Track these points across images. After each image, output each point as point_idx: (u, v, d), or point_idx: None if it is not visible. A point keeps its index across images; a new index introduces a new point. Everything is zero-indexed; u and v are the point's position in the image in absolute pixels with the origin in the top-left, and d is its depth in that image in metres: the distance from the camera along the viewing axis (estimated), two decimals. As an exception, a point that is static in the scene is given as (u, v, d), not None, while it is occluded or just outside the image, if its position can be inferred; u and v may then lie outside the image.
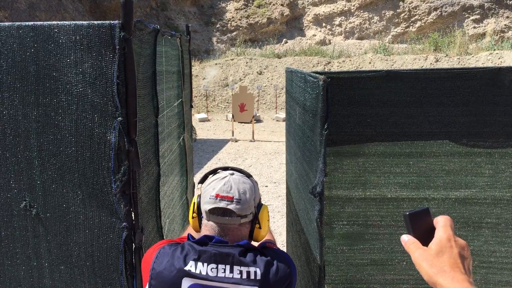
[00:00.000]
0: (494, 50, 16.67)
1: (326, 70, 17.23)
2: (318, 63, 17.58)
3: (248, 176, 1.55)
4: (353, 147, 2.03)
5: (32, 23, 1.53)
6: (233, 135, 11.67)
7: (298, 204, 2.22)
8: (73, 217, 1.63)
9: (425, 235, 0.97)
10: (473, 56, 16.63)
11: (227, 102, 16.43)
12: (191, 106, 3.19)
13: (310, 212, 1.86)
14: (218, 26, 21.58)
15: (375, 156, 2.06)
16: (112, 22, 1.47)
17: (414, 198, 2.08)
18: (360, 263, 2.09)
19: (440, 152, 2.04)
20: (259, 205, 1.53)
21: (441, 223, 0.97)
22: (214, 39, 21.41)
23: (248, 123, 12.04)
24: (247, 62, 17.86)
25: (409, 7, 20.10)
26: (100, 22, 1.48)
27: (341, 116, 1.94)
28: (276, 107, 15.87)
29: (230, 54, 19.52)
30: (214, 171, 1.56)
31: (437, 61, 16.79)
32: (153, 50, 1.89)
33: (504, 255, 2.11)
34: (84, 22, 1.49)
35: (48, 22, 1.52)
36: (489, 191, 2.04)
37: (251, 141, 11.37)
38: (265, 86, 16.94)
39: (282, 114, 14.99)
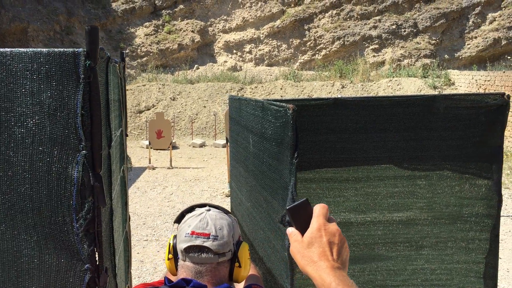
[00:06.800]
0: (393, 77, 18.02)
1: (239, 95, 17.46)
2: (232, 89, 17.80)
3: (226, 212, 1.50)
4: (304, 173, 2.06)
5: (-20, 49, 1.39)
6: (150, 163, 11.37)
7: (255, 234, 2.19)
8: (26, 261, 1.48)
9: (306, 226, 1.01)
10: (375, 83, 17.82)
11: (141, 129, 16.03)
12: (126, 135, 3.07)
13: (273, 242, 1.84)
14: (127, 51, 21.12)
15: (324, 182, 2.10)
16: (76, 50, 1.38)
17: (361, 222, 2.13)
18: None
19: (385, 176, 2.12)
20: (239, 242, 1.47)
21: (315, 213, 1.01)
22: (124, 65, 20.88)
23: (165, 150, 11.83)
24: (159, 88, 17.62)
25: (314, 36, 21.16)
26: (62, 49, 1.38)
27: None
28: (192, 133, 15.75)
29: (142, 79, 19.15)
30: (190, 209, 1.49)
31: (343, 87, 17.76)
32: (106, 79, 1.81)
33: (444, 272, 2.22)
34: (43, 50, 1.38)
35: (0, 49, 1.40)
36: (428, 212, 2.14)
37: (169, 168, 11.15)
38: (179, 112, 16.79)
39: (199, 140, 14.91)
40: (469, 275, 2.22)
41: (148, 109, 16.84)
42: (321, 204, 1.02)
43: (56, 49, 1.39)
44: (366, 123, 2.07)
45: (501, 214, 2.19)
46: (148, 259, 5.75)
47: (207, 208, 1.47)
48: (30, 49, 1.39)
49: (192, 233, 1.37)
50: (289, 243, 1.60)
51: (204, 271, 1.36)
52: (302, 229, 1.00)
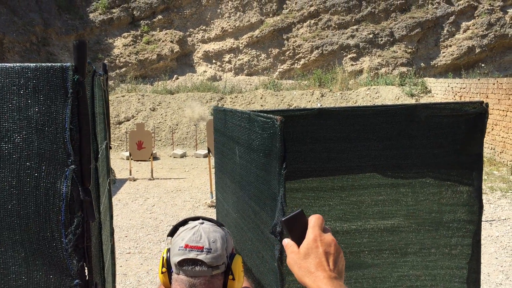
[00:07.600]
0: (372, 85, 18.27)
1: (220, 105, 17.49)
2: (212, 99, 17.80)
3: (219, 225, 1.51)
4: (290, 183, 2.07)
5: (-36, 64, 1.38)
6: (130, 174, 11.27)
7: (242, 244, 2.20)
8: (14, 278, 1.46)
9: (302, 237, 1.02)
10: (353, 91, 18.03)
11: (120, 140, 15.88)
12: (110, 147, 3.05)
13: (262, 252, 1.85)
14: (105, 62, 20.93)
15: (310, 191, 2.12)
16: (64, 64, 1.38)
17: (346, 230, 2.15)
18: None
19: (369, 184, 2.14)
20: (232, 255, 1.48)
21: (311, 224, 1.03)
22: (102, 75, 20.69)
23: (146, 161, 11.75)
24: (139, 99, 17.51)
25: (293, 45, 21.33)
26: (50, 64, 1.38)
27: None
28: (173, 144, 15.67)
29: (121, 90, 19.01)
30: (183, 222, 1.50)
31: (322, 96, 17.92)
32: (92, 92, 1.80)
33: (429, 278, 2.25)
34: (30, 64, 1.38)
35: (-15, 64, 1.39)
36: (412, 219, 2.17)
37: (150, 179, 11.07)
38: (159, 122, 16.70)
39: (180, 151, 14.84)
40: (453, 281, 2.25)
41: (128, 120, 16.71)
42: (316, 215, 1.03)
43: (43, 64, 1.38)
44: (350, 133, 2.10)
45: (481, 219, 2.23)
46: (131, 272, 5.68)
47: (200, 221, 1.47)
48: (17, 64, 1.38)
49: (186, 246, 1.37)
50: (280, 254, 1.61)
51: (198, 284, 1.36)
52: (298, 240, 1.01)
